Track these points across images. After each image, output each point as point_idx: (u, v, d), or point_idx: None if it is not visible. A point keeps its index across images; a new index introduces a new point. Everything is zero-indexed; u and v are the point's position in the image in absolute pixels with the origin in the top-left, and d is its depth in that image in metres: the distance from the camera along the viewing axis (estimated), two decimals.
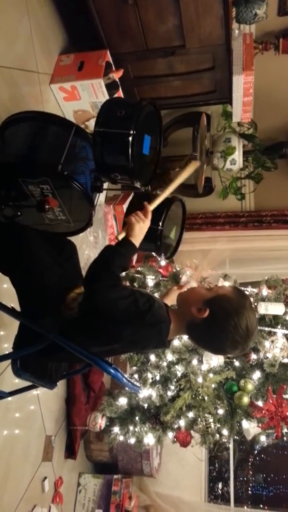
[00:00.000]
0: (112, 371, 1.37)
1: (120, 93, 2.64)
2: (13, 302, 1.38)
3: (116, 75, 2.52)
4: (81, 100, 2.50)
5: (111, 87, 2.49)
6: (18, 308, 1.39)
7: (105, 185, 1.81)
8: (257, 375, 2.51)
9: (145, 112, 1.63)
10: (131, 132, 1.52)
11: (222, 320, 1.21)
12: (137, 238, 1.33)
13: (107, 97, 2.45)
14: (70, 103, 2.53)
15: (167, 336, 1.28)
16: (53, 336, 1.28)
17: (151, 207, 1.40)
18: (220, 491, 4.66)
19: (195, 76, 2.88)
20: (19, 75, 2.14)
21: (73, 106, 2.55)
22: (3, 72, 2.01)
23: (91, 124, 2.59)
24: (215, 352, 1.73)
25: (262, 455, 5.24)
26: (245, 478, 5.16)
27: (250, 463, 5.29)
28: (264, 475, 5.37)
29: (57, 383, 1.59)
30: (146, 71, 2.82)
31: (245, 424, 2.51)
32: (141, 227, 1.34)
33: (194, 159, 3.11)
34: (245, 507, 4.53)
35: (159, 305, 1.27)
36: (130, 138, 1.52)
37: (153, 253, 2.20)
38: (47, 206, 1.60)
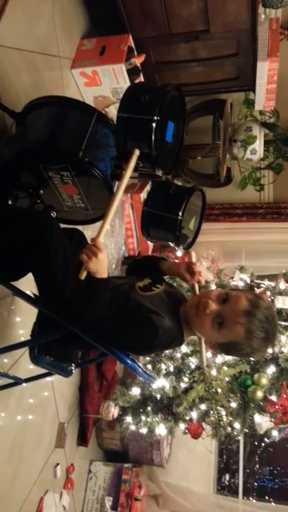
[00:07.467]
0: (129, 362, 1.35)
1: (141, 79, 2.57)
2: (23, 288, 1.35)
3: (138, 60, 2.46)
4: (102, 85, 2.45)
5: (132, 72, 2.44)
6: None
7: None
8: (271, 369, 2.49)
9: (169, 98, 1.58)
10: (155, 118, 1.47)
11: (237, 352, 1.30)
12: (100, 274, 1.20)
13: (128, 82, 2.40)
14: (91, 89, 2.48)
15: (183, 341, 1.35)
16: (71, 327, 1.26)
17: (100, 239, 1.20)
18: (227, 482, 4.67)
19: (218, 62, 2.80)
20: (40, 59, 2.10)
21: (94, 91, 2.50)
22: (25, 55, 1.97)
23: (110, 110, 2.55)
24: None
25: (270, 448, 5.23)
26: (252, 470, 5.17)
27: (257, 456, 5.29)
28: (271, 468, 5.37)
29: (73, 372, 1.59)
30: (168, 56, 2.76)
31: (258, 418, 2.50)
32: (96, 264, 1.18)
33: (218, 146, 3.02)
34: (251, 498, 4.53)
35: (166, 328, 1.23)
36: (154, 124, 1.47)
37: (170, 243, 2.17)
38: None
